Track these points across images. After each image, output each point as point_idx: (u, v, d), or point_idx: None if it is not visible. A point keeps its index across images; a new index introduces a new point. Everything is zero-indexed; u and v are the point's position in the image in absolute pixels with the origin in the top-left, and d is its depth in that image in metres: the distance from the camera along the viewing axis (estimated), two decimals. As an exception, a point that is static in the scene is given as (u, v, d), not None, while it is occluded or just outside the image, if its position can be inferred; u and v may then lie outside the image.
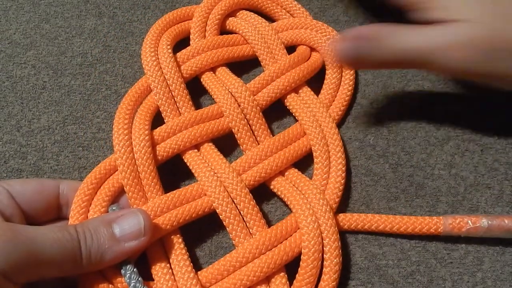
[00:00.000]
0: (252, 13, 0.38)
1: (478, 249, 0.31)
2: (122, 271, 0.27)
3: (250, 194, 0.30)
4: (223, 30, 0.37)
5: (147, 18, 0.38)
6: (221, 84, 0.34)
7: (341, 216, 0.30)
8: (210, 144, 0.32)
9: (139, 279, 0.26)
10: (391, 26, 0.29)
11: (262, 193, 0.32)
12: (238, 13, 0.38)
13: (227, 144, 0.33)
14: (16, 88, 0.36)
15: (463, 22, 0.28)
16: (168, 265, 0.28)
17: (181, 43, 0.36)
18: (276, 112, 0.35)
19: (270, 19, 0.39)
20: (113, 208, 0.29)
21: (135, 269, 0.27)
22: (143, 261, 0.29)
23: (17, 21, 0.38)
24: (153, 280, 0.28)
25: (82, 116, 0.35)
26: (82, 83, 0.36)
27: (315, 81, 0.36)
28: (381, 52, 0.29)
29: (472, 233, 0.30)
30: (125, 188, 0.30)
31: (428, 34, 0.29)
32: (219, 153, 0.32)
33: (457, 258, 0.30)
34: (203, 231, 0.31)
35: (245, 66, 0.37)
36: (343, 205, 0.32)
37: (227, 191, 0.30)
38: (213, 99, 0.34)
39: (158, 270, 0.28)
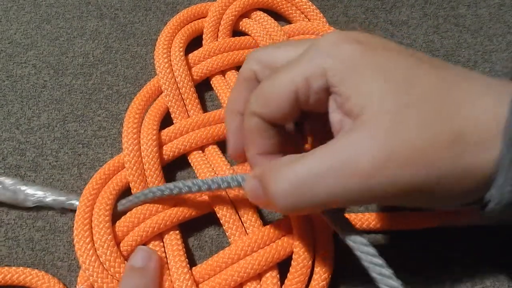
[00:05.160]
0: (265, 14, 0.38)
1: (478, 249, 0.31)
2: None
3: None
4: (236, 30, 0.38)
5: (149, 20, 0.39)
6: (228, 89, 0.35)
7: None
8: (215, 146, 0.33)
9: None
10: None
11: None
12: (252, 14, 0.38)
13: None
14: (16, 87, 0.36)
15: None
16: (165, 259, 0.29)
17: (196, 40, 0.37)
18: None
19: (286, 20, 0.39)
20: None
21: None
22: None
23: (18, 21, 0.38)
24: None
25: (83, 114, 0.35)
26: (84, 82, 0.36)
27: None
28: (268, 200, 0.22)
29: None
30: (130, 184, 0.30)
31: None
32: (221, 155, 0.32)
33: (456, 257, 0.31)
34: (204, 232, 0.31)
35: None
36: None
37: (226, 192, 0.30)
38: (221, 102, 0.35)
39: None
